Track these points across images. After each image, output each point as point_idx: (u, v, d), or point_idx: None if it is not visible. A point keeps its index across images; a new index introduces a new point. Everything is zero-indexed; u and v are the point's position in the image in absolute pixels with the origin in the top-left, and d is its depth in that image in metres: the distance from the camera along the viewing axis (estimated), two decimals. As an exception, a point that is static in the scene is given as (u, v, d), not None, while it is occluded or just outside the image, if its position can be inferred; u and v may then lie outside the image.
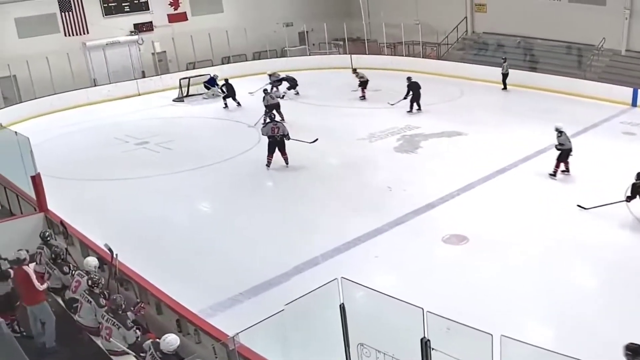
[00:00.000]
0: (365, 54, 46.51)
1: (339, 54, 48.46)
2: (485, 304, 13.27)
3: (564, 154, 21.57)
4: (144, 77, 44.14)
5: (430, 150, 25.01)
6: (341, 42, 48.57)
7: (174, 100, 39.36)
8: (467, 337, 8.38)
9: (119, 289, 12.90)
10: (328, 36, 47.84)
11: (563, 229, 17.34)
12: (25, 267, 12.69)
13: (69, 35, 42.01)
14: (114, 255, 12.97)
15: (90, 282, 12.05)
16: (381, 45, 47.18)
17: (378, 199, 20.59)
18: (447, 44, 44.39)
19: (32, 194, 17.82)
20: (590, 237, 16.73)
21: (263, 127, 24.78)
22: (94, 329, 11.75)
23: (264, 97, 30.51)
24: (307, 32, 49.45)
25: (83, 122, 34.63)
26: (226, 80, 36.70)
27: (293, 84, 37.72)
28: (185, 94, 39.16)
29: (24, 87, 38.44)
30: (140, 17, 45.27)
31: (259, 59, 47.92)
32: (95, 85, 42.13)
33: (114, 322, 10.93)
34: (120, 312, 11.09)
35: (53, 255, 13.76)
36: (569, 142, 21.60)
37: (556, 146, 21.66)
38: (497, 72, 36.32)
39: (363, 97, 35.52)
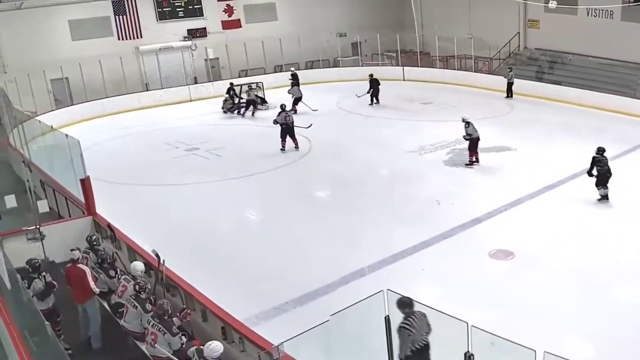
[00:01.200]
0: (418, 66, 46.39)
1: (391, 65, 48.33)
2: (529, 320, 13.14)
3: (473, 143, 23.77)
4: (196, 83, 44.61)
5: (479, 165, 24.82)
6: (394, 54, 48.59)
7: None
8: (511, 353, 8.34)
9: (165, 294, 13.00)
10: (381, 47, 47.71)
11: (610, 247, 17.02)
12: (81, 266, 12.99)
13: (123, 39, 42.66)
14: (161, 261, 13.06)
15: (137, 287, 12.14)
16: (433, 58, 46.91)
17: (426, 211, 20.49)
18: (499, 59, 44.10)
19: (81, 197, 18.03)
20: (636, 256, 16.48)
21: (277, 116, 28.03)
22: (139, 334, 11.81)
23: (248, 93, 37.16)
24: (360, 42, 49.57)
25: (134, 127, 35.14)
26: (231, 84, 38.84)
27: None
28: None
29: (75, 89, 39.08)
30: (194, 23, 45.81)
31: (312, 68, 48.18)
32: (147, 90, 42.77)
33: (160, 328, 10.94)
34: (166, 317, 11.10)
35: (99, 260, 13.90)
36: (476, 131, 23.52)
37: (464, 136, 23.82)
38: (550, 88, 36.51)
39: (293, 111, 35.50)
